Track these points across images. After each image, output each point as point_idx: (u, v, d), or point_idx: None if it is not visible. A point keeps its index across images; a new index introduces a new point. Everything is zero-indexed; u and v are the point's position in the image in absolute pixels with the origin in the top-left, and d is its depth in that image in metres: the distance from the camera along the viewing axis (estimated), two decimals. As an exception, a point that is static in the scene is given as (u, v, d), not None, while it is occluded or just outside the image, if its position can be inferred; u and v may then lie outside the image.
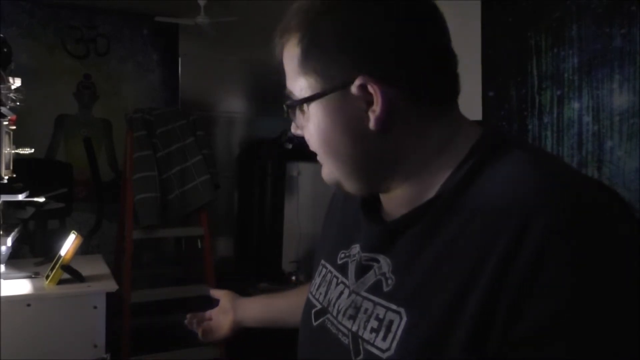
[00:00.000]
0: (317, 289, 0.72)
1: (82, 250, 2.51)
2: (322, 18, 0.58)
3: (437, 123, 0.61)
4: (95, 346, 2.08)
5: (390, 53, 0.57)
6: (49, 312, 2.04)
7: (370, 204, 0.68)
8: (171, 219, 3.10)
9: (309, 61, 0.59)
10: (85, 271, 2.25)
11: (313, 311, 0.70)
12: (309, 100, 0.60)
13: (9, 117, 2.08)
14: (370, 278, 0.62)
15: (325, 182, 0.66)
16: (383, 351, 0.55)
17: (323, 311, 0.68)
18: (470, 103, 2.95)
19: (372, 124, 0.57)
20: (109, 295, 2.15)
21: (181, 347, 3.10)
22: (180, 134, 3.14)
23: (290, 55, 0.61)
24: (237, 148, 4.08)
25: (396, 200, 0.63)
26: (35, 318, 2.01)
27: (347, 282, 0.66)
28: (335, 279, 0.69)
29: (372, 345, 0.57)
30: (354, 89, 0.56)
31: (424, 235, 0.57)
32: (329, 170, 0.64)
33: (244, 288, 3.76)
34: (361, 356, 0.58)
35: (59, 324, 2.04)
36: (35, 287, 2.12)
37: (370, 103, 0.57)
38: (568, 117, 2.40)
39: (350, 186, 0.64)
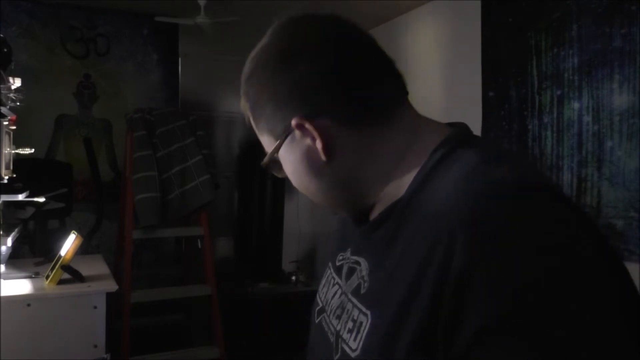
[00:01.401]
0: (322, 289, 0.76)
1: (82, 250, 2.51)
2: (250, 80, 0.65)
3: (384, 135, 0.62)
4: (95, 346, 2.08)
5: (312, 88, 0.60)
6: (49, 312, 2.04)
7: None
8: (171, 219, 3.10)
9: (259, 121, 0.66)
10: (85, 271, 2.25)
11: (316, 309, 0.74)
12: (271, 154, 0.65)
13: (9, 117, 2.08)
14: (354, 281, 0.64)
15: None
16: (353, 351, 0.58)
17: (322, 310, 0.72)
18: (470, 103, 2.95)
19: (321, 156, 0.61)
20: (109, 295, 2.16)
21: (181, 347, 3.10)
22: (180, 134, 3.14)
23: (250, 120, 0.69)
24: (237, 148, 4.08)
25: (378, 208, 0.66)
26: (35, 318, 2.01)
27: (341, 284, 0.69)
28: (332, 280, 0.73)
29: (347, 344, 0.60)
30: (295, 132, 0.61)
31: (388, 237, 0.59)
32: (321, 205, 0.69)
33: (244, 288, 3.76)
34: (339, 355, 0.61)
35: (59, 324, 2.04)
36: (35, 287, 2.12)
37: (313, 138, 0.61)
38: (568, 117, 2.40)
39: (343, 213, 0.70)
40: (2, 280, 2.16)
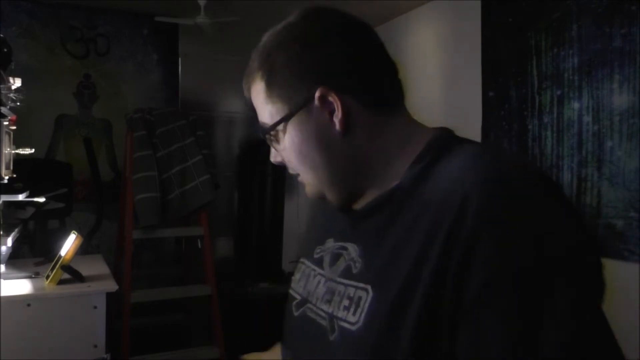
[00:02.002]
0: (297, 284, 0.79)
1: (82, 250, 2.51)
2: (275, 51, 0.68)
3: (390, 124, 0.69)
4: (95, 346, 2.08)
5: (340, 66, 0.66)
6: (49, 312, 2.03)
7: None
8: (171, 219, 3.10)
9: (273, 90, 0.68)
10: (85, 271, 2.25)
11: (294, 303, 0.77)
12: (280, 122, 0.68)
13: (9, 117, 2.08)
14: (341, 264, 0.69)
15: (314, 197, 0.73)
16: (353, 324, 0.62)
17: (303, 302, 0.75)
18: (470, 103, 2.95)
19: (337, 128, 0.66)
20: (109, 295, 2.15)
21: (181, 347, 3.10)
22: (180, 134, 3.14)
23: (257, 91, 0.70)
24: (237, 148, 4.08)
25: (367, 197, 0.70)
26: (35, 318, 2.01)
27: (323, 273, 0.73)
28: (312, 272, 0.76)
29: (344, 321, 0.64)
30: (316, 101, 0.66)
31: (386, 221, 0.65)
32: (312, 184, 0.71)
33: (244, 288, 3.76)
34: (336, 333, 0.65)
35: (59, 324, 2.04)
36: (35, 287, 2.12)
37: (331, 111, 0.66)
38: (568, 117, 2.40)
39: (333, 195, 0.71)
40: (2, 280, 2.16)
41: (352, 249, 0.68)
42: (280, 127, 0.68)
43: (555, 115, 2.45)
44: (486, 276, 0.53)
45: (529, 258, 0.53)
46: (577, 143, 2.34)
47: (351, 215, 0.72)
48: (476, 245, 0.53)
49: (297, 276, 0.81)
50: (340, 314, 0.65)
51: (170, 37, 3.74)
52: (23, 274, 2.28)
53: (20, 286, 2.13)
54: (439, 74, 3.31)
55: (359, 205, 0.71)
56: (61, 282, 2.16)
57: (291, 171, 0.74)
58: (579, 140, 2.33)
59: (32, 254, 3.18)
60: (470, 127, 2.91)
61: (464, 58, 3.05)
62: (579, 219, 0.59)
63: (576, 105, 2.35)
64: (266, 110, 0.70)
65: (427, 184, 0.62)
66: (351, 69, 0.67)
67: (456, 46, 3.16)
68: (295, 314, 0.75)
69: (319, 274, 0.74)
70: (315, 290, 0.73)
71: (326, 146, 0.67)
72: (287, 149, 0.69)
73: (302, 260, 0.81)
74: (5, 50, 2.09)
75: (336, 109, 0.65)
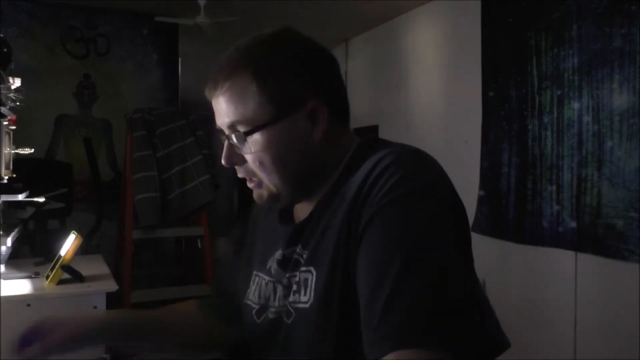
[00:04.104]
0: (253, 294, 0.83)
1: (82, 250, 2.51)
2: (275, 53, 0.72)
3: (342, 135, 0.78)
4: (95, 346, 2.08)
5: (327, 82, 0.75)
6: (49, 312, 2.02)
7: (285, 216, 0.84)
8: (171, 219, 3.10)
9: (264, 90, 0.70)
10: (85, 271, 2.25)
11: (254, 312, 0.82)
12: (269, 124, 0.71)
13: (9, 117, 2.08)
14: (290, 261, 0.77)
15: (264, 202, 0.78)
16: (306, 302, 0.71)
17: (263, 308, 0.80)
18: (470, 103, 2.95)
19: (317, 137, 0.73)
20: (109, 295, 2.15)
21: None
22: (180, 134, 3.14)
23: (240, 85, 0.71)
24: (237, 148, 4.07)
25: (307, 204, 0.78)
26: (35, 318, 2.00)
27: (273, 280, 0.79)
28: (263, 281, 0.82)
29: (298, 302, 0.73)
30: (306, 111, 0.72)
31: (318, 215, 0.75)
32: (271, 188, 0.76)
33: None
34: (293, 316, 0.73)
35: (59, 324, 2.04)
36: (35, 287, 2.12)
37: (314, 121, 0.73)
38: (568, 117, 2.39)
39: (288, 197, 0.77)
40: (2, 280, 2.16)
41: (299, 248, 0.76)
42: (268, 129, 0.71)
43: (555, 115, 2.45)
44: (373, 209, 0.65)
45: (403, 190, 0.65)
46: (577, 143, 2.34)
47: (298, 223, 0.79)
48: (368, 196, 0.66)
49: (252, 288, 0.84)
50: (292, 298, 0.74)
51: (170, 37, 3.74)
52: (23, 274, 2.28)
53: (20, 286, 2.13)
54: (439, 74, 3.31)
55: (300, 215, 0.80)
56: (61, 282, 2.16)
57: (242, 174, 0.78)
58: (579, 140, 2.33)
59: (32, 254, 3.18)
60: (470, 127, 2.91)
61: (464, 58, 3.04)
62: (442, 173, 0.70)
63: (576, 105, 2.35)
64: (246, 107, 0.71)
65: (349, 181, 0.72)
66: (333, 85, 0.76)
67: (456, 46, 3.16)
68: (258, 321, 0.80)
69: (271, 282, 0.80)
70: (272, 295, 0.79)
71: (301, 152, 0.73)
72: (259, 150, 0.72)
73: (255, 272, 0.85)
74: (5, 50, 2.09)
75: (321, 121, 0.73)
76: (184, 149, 3.14)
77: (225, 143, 0.75)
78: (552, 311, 2.48)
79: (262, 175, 0.75)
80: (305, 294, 0.72)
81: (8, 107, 2.06)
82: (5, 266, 2.32)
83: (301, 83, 0.72)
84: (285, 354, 0.75)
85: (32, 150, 2.33)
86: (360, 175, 0.70)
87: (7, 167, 2.13)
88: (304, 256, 0.74)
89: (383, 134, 3.76)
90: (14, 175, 2.19)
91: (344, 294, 0.67)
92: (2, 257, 2.26)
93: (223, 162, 0.76)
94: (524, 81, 2.63)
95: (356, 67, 4.21)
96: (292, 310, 0.74)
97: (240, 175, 0.78)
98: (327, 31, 3.85)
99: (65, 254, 2.16)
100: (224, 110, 0.73)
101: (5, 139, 2.09)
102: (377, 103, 3.90)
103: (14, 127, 2.17)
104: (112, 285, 2.18)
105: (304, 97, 0.72)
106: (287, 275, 0.76)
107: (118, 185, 3.46)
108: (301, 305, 0.72)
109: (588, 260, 2.29)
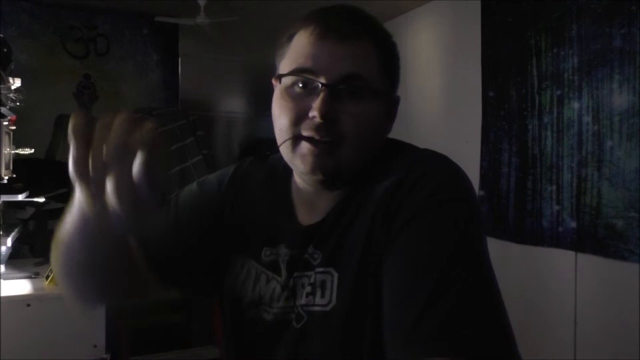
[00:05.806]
0: (243, 284, 0.78)
1: (82, 250, 2.50)
2: (391, 40, 0.77)
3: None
4: (95, 346, 2.08)
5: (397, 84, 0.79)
6: (49, 312, 2.03)
7: (285, 210, 0.79)
8: (171, 219, 3.10)
9: (382, 64, 0.73)
10: (85, 271, 2.25)
11: (244, 303, 0.77)
12: (387, 93, 0.74)
13: (9, 117, 2.08)
14: (298, 261, 0.73)
15: (320, 172, 0.70)
16: (325, 305, 0.68)
17: (256, 302, 0.75)
18: (470, 103, 2.95)
19: (388, 130, 0.77)
20: (109, 295, 2.15)
21: (181, 347, 3.10)
22: (180, 134, 3.14)
23: (368, 49, 0.71)
24: (237, 148, 4.07)
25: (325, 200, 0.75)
26: (35, 318, 2.01)
27: (278, 279, 0.75)
28: (263, 274, 0.76)
29: (313, 305, 0.69)
30: (393, 100, 0.77)
31: (336, 214, 0.72)
32: (339, 158, 0.69)
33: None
34: (305, 319, 0.70)
35: (59, 324, 2.04)
36: (35, 287, 2.12)
37: (389, 110, 0.76)
38: (568, 117, 2.39)
39: (346, 177, 0.72)
40: (2, 280, 2.16)
41: (310, 248, 0.73)
42: (372, 95, 0.71)
43: (555, 115, 2.45)
44: (413, 212, 0.64)
45: (446, 195, 0.65)
46: (577, 143, 2.34)
47: (307, 225, 0.75)
48: (404, 201, 0.65)
49: (242, 275, 0.78)
50: (304, 301, 0.70)
51: (170, 37, 3.74)
52: (23, 274, 2.28)
53: (20, 286, 2.13)
54: (439, 74, 3.31)
55: (302, 208, 0.77)
56: (61, 282, 2.15)
57: (325, 136, 0.68)
58: (579, 140, 2.33)
59: (32, 254, 3.18)
60: (470, 127, 2.91)
61: (464, 58, 3.04)
62: (469, 183, 0.71)
63: (576, 105, 2.35)
64: (371, 68, 0.71)
65: (379, 180, 0.71)
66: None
67: (456, 46, 3.16)
68: (247, 315, 0.76)
69: (273, 278, 0.75)
70: (271, 294, 0.74)
71: (379, 134, 0.75)
72: (360, 116, 0.68)
73: (248, 259, 0.79)
74: (5, 50, 2.09)
75: (394, 113, 0.77)
76: (184, 149, 3.14)
77: (325, 92, 0.67)
78: (552, 311, 2.48)
79: (350, 140, 0.68)
80: (322, 297, 0.69)
81: (8, 107, 2.06)
82: (5, 266, 2.32)
83: (398, 76, 0.77)
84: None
85: (32, 150, 2.33)
86: (391, 177, 0.68)
87: (7, 167, 2.13)
88: (316, 256, 0.72)
89: (383, 134, 3.76)
90: (14, 175, 2.19)
91: (376, 296, 0.64)
92: (2, 257, 2.26)
93: (321, 111, 0.66)
94: (523, 81, 2.63)
95: (356, 67, 4.21)
96: (303, 314, 0.70)
97: (314, 131, 0.68)
98: (327, 31, 3.84)
99: (65, 254, 2.16)
100: (348, 57, 0.68)
101: (5, 139, 2.09)
102: (377, 103, 3.90)
103: (14, 127, 2.17)
104: (112, 285, 2.18)
105: (395, 87, 0.77)
106: (294, 275, 0.73)
107: (118, 185, 3.46)
108: (318, 309, 0.69)
109: (588, 260, 2.29)
